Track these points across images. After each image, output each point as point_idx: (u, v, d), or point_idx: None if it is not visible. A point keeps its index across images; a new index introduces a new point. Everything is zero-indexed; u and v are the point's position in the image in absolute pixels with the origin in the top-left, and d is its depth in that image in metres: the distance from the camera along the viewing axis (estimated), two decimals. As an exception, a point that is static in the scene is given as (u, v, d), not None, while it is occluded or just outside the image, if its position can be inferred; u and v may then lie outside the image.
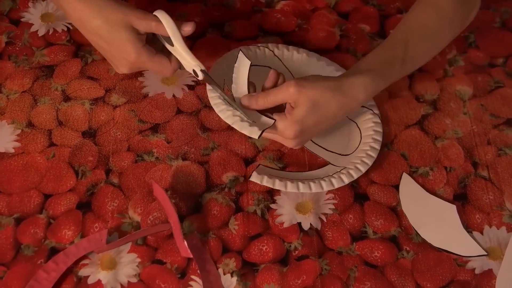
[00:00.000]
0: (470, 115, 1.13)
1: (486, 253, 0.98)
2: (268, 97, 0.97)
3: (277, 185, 0.99)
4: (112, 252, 0.96)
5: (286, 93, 0.95)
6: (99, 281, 0.93)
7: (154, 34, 1.02)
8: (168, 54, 1.01)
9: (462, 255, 0.98)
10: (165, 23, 0.97)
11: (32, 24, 1.20)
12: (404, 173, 1.06)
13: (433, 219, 1.02)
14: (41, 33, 1.19)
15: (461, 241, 1.00)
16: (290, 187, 0.99)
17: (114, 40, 0.98)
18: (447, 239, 1.00)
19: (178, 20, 0.99)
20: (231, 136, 1.08)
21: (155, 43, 1.03)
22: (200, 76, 0.99)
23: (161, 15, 0.98)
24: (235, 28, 1.23)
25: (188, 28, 1.00)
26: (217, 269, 0.96)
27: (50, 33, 1.19)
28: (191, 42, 1.19)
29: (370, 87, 0.98)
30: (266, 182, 0.99)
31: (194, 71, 1.00)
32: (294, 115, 0.95)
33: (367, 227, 1.01)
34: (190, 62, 1.00)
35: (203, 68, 0.99)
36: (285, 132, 0.96)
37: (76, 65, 1.15)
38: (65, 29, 1.20)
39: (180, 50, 0.99)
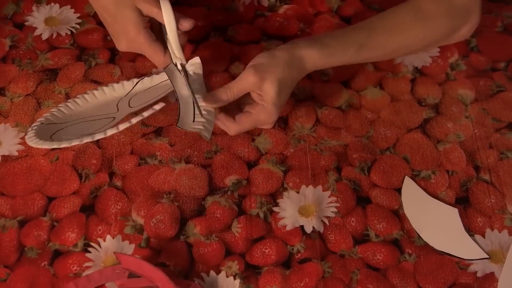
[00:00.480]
0: (472, 119, 1.13)
1: (488, 256, 0.98)
2: (231, 90, 0.99)
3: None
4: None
5: (248, 83, 0.97)
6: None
7: (161, 25, 1.04)
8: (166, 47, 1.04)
9: (464, 258, 0.98)
10: (164, 11, 0.99)
11: (36, 28, 1.21)
12: (406, 176, 1.06)
13: (435, 222, 1.02)
14: (44, 36, 1.19)
15: (463, 244, 1.00)
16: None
17: (118, 16, 1.01)
18: (449, 242, 1.00)
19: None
20: (234, 140, 1.09)
21: (161, 35, 1.05)
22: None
23: (163, 2, 0.99)
24: (238, 32, 1.24)
25: (186, 24, 1.02)
26: (220, 272, 0.96)
27: (53, 37, 1.19)
28: (194, 45, 1.20)
29: (316, 60, 1.01)
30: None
31: (175, 64, 1.02)
32: (270, 101, 0.97)
33: (370, 230, 1.01)
34: (175, 55, 1.02)
35: (184, 63, 1.02)
36: (269, 119, 0.99)
37: (80, 69, 1.15)
38: (69, 32, 1.20)
39: (170, 41, 1.01)
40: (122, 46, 1.05)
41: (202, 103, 0.99)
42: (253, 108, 0.99)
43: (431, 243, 0.99)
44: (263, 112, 0.98)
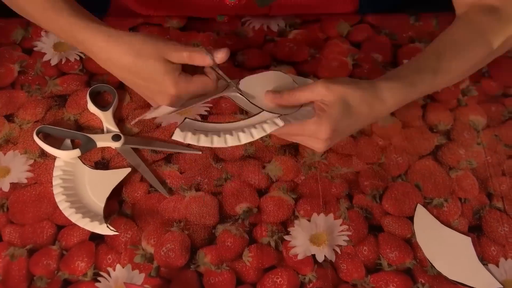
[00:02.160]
0: (484, 145, 1.13)
1: (502, 286, 0.97)
2: (294, 93, 0.97)
3: (202, 141, 0.94)
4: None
5: (313, 91, 0.95)
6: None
7: None
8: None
9: None
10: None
11: (44, 53, 1.20)
12: (418, 204, 1.05)
13: (448, 251, 1.01)
14: (53, 62, 1.19)
15: (476, 274, 0.99)
16: (217, 142, 0.94)
17: (151, 74, 0.95)
18: (463, 271, 0.99)
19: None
20: (244, 167, 1.08)
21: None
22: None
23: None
24: (248, 57, 1.23)
25: (221, 55, 0.96)
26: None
27: (62, 62, 1.19)
28: (203, 71, 1.19)
29: (398, 93, 0.98)
30: (190, 139, 0.94)
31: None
32: (329, 115, 0.94)
33: (382, 259, 1.00)
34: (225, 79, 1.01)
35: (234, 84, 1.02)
36: (319, 132, 0.95)
37: (89, 95, 1.15)
38: (78, 58, 1.20)
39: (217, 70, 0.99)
40: (166, 103, 0.99)
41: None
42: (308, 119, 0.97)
43: (444, 273, 0.98)
44: (315, 124, 0.95)
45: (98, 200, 1.02)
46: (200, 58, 0.95)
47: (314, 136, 0.97)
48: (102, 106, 1.11)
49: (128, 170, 1.05)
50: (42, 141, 1.05)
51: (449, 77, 1.06)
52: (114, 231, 0.99)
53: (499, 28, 1.06)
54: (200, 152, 1.08)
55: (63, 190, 1.02)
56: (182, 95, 0.97)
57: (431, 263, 0.99)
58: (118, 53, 0.95)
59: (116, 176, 1.05)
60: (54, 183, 1.03)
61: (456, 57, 1.04)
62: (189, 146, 1.08)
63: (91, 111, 1.12)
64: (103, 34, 0.96)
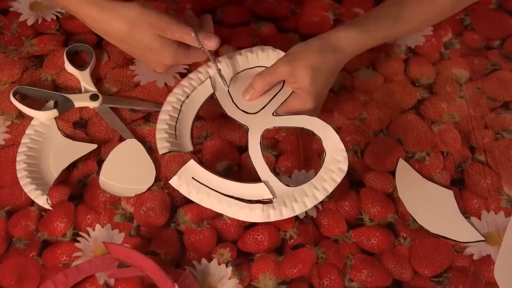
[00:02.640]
0: (467, 98, 1.12)
1: (484, 239, 0.97)
2: (264, 79, 0.99)
3: (196, 198, 0.94)
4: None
5: (280, 72, 0.98)
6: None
7: None
8: None
9: (460, 241, 0.97)
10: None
11: (20, 14, 1.18)
12: (400, 159, 1.04)
13: (430, 205, 1.00)
14: (30, 22, 1.17)
15: (458, 227, 0.99)
16: (218, 208, 0.93)
17: (147, 46, 1.00)
18: (445, 225, 0.99)
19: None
20: (224, 125, 1.07)
21: None
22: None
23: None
24: (227, 14, 1.21)
25: (211, 44, 1.00)
26: (211, 259, 0.95)
27: (39, 23, 1.17)
28: (182, 29, 1.18)
29: (355, 39, 1.01)
30: (183, 190, 0.94)
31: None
32: (303, 87, 0.97)
33: (364, 214, 1.00)
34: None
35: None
36: (304, 106, 0.98)
37: (66, 55, 1.13)
38: (54, 18, 1.18)
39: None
40: (160, 70, 1.08)
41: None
42: (289, 98, 1.00)
43: (426, 227, 0.98)
44: (298, 100, 0.98)
45: (54, 168, 1.01)
46: (191, 42, 0.99)
47: (302, 109, 0.98)
48: (80, 66, 1.10)
49: (94, 146, 1.03)
50: (19, 102, 1.04)
51: (411, 25, 1.06)
52: (50, 207, 0.97)
53: None
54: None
55: (27, 150, 1.02)
56: (177, 65, 1.05)
57: (413, 217, 0.99)
58: (112, 25, 0.99)
59: (81, 149, 1.03)
60: (22, 140, 1.03)
61: (418, 4, 1.04)
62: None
63: (69, 71, 1.11)
64: (96, 6, 0.97)
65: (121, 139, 1.04)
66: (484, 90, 1.13)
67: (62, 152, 1.02)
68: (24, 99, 1.06)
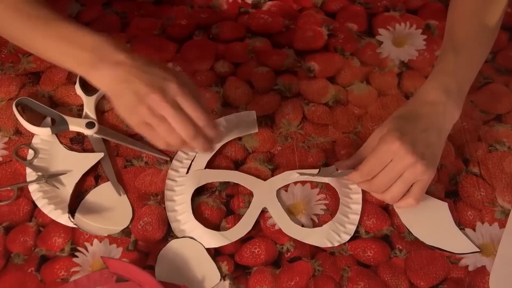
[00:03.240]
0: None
1: (479, 250, 0.98)
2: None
3: None
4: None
5: (372, 138, 1.01)
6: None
7: None
8: None
9: (455, 253, 0.98)
10: None
11: (17, 31, 1.19)
12: None
13: (425, 217, 1.01)
14: (26, 39, 1.18)
15: (454, 239, 0.99)
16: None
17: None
18: (440, 237, 0.99)
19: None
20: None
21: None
22: None
23: None
24: (222, 30, 1.22)
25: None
26: None
27: (36, 40, 1.18)
28: (178, 45, 1.19)
29: (437, 86, 1.00)
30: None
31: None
32: (387, 131, 0.96)
33: (359, 227, 1.00)
34: None
35: None
36: (389, 146, 0.94)
37: (63, 71, 1.14)
38: (51, 35, 1.19)
39: None
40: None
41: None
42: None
43: (421, 238, 0.99)
44: (382, 142, 0.96)
45: (67, 183, 1.01)
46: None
47: (389, 155, 0.95)
48: (88, 91, 1.10)
49: (101, 155, 1.04)
50: (20, 114, 1.05)
51: (471, 44, 1.05)
52: (74, 225, 0.97)
53: None
54: (168, 158, 1.06)
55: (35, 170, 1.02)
56: None
57: (408, 229, 1.00)
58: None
59: (88, 160, 1.04)
60: (28, 159, 1.04)
61: (469, 25, 1.06)
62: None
63: (77, 93, 1.11)
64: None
65: (119, 155, 1.05)
66: (477, 103, 1.14)
67: (70, 165, 1.03)
68: (24, 113, 1.07)
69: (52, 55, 0.96)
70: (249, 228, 0.98)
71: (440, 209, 1.02)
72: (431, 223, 1.01)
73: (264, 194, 1.02)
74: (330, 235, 0.98)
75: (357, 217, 1.01)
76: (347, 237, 0.99)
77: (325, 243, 0.98)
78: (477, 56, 1.05)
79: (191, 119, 0.90)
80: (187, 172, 1.03)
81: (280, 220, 1.00)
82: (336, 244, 0.98)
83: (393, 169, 0.94)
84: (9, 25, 0.97)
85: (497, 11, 1.06)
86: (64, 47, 0.93)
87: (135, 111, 0.90)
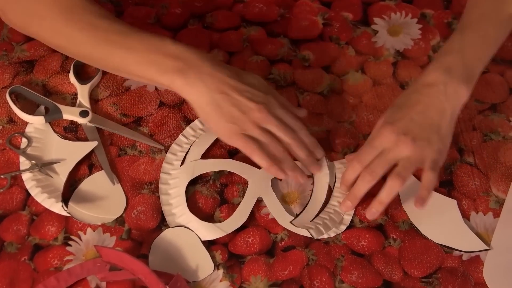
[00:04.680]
0: (455, 101, 1.13)
1: (488, 248, 0.97)
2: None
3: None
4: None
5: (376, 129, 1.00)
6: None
7: None
8: None
9: (465, 251, 0.97)
10: None
11: (11, 19, 1.19)
12: None
13: (433, 215, 1.00)
14: (20, 28, 1.17)
15: (463, 236, 0.99)
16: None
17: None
18: (449, 234, 0.99)
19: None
20: (215, 128, 1.07)
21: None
22: None
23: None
24: (217, 18, 1.22)
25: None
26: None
27: (29, 28, 1.17)
28: (172, 33, 1.19)
29: (437, 66, 1.00)
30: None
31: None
32: (380, 121, 0.99)
33: (354, 216, 1.00)
34: None
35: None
36: (382, 136, 0.96)
37: (57, 60, 1.13)
38: (45, 23, 1.18)
39: None
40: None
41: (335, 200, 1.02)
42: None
43: (430, 237, 0.98)
44: (377, 129, 0.98)
45: (60, 172, 1.01)
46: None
47: (381, 136, 0.96)
48: (82, 79, 1.10)
49: (95, 143, 1.04)
50: (14, 102, 1.05)
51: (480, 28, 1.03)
52: (68, 213, 0.97)
53: None
54: (162, 147, 1.06)
55: (29, 159, 1.02)
56: None
57: (417, 227, 0.99)
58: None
59: (82, 148, 1.04)
60: (22, 147, 1.04)
61: (480, 9, 1.05)
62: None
63: (71, 81, 1.11)
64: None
65: (112, 143, 1.05)
66: (472, 92, 1.13)
67: (64, 154, 1.02)
68: (17, 101, 1.06)
69: (133, 68, 0.97)
70: (245, 218, 0.98)
71: (449, 207, 1.02)
72: (440, 221, 1.00)
73: (259, 183, 1.02)
74: (325, 227, 0.98)
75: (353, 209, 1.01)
76: (343, 227, 0.99)
77: (309, 234, 0.98)
78: (490, 34, 1.03)
79: (293, 130, 0.96)
80: (182, 165, 1.03)
81: (275, 210, 0.99)
82: (332, 235, 0.98)
83: (386, 155, 0.95)
84: (85, 43, 0.97)
85: None
86: (146, 57, 0.95)
87: (237, 123, 0.93)
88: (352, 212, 1.00)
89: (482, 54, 1.02)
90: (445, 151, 0.96)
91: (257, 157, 0.94)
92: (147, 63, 0.95)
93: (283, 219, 0.99)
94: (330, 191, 1.02)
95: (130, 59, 0.95)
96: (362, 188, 0.96)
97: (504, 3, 1.04)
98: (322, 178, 1.03)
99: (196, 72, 0.93)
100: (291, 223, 0.97)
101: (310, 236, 0.96)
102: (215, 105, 0.93)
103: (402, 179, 0.93)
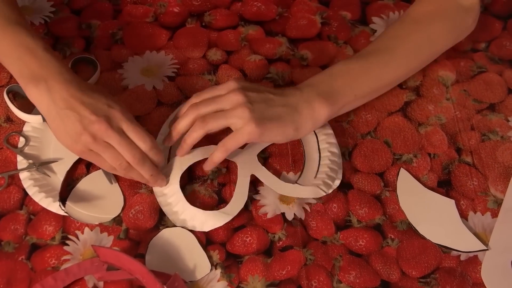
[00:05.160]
0: (453, 100, 1.12)
1: (486, 248, 0.97)
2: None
3: None
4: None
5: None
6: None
7: None
8: None
9: (463, 251, 0.97)
10: None
11: (9, 18, 1.18)
12: (401, 169, 1.05)
13: (432, 214, 1.01)
14: (18, 26, 1.17)
15: (461, 236, 0.99)
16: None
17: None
18: (447, 234, 0.99)
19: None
20: (213, 127, 1.07)
21: None
22: None
23: None
24: (215, 17, 1.22)
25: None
26: (201, 262, 0.95)
27: (27, 26, 1.17)
28: (170, 32, 1.19)
29: (312, 82, 1.01)
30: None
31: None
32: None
33: (352, 216, 1.00)
34: None
35: None
36: (232, 98, 0.94)
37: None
38: (43, 22, 1.18)
39: None
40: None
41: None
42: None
43: (428, 237, 0.98)
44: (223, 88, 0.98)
45: (58, 172, 1.01)
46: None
47: (228, 101, 0.95)
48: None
49: None
50: (11, 101, 1.04)
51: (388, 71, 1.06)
52: (65, 213, 0.97)
53: (443, 17, 1.09)
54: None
55: (26, 158, 1.02)
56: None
57: (415, 227, 0.99)
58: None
59: None
60: (19, 147, 1.03)
61: (391, 47, 1.06)
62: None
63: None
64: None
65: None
66: (470, 92, 1.14)
67: (62, 153, 1.01)
68: (15, 100, 1.06)
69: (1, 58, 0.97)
70: (245, 197, 0.98)
71: (447, 207, 1.02)
72: (438, 221, 1.00)
73: (248, 162, 1.02)
74: (322, 185, 0.99)
75: (340, 160, 1.03)
76: (338, 182, 1.01)
77: (319, 193, 0.99)
78: (372, 69, 1.05)
79: (136, 145, 0.92)
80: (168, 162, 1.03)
81: (270, 181, 1.00)
82: (330, 191, 0.99)
83: (221, 99, 0.95)
84: None
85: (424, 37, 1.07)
86: (14, 53, 0.94)
87: (79, 140, 0.90)
88: (341, 166, 1.03)
89: (363, 88, 1.04)
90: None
91: (102, 167, 0.96)
92: (11, 60, 0.95)
93: (281, 187, 1.00)
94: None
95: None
96: (195, 136, 0.95)
97: (413, 49, 1.07)
98: (310, 138, 1.05)
99: (47, 83, 0.91)
100: (297, 183, 0.99)
101: (317, 192, 0.99)
102: (60, 121, 0.91)
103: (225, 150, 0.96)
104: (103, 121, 0.89)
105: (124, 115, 0.92)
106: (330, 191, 1.00)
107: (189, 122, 0.96)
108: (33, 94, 0.92)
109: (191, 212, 0.98)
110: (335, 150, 1.04)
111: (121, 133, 0.91)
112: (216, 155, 0.95)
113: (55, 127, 0.93)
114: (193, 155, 1.01)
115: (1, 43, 0.95)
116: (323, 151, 1.03)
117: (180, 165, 1.01)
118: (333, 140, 1.05)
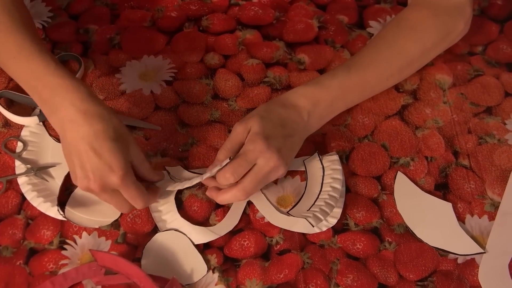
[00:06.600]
0: (450, 104, 1.13)
1: (483, 251, 0.97)
2: (224, 147, 0.97)
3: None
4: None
5: (237, 133, 0.97)
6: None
7: None
8: None
9: (460, 254, 0.97)
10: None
11: (6, 23, 1.18)
12: (399, 172, 1.05)
13: (429, 218, 1.01)
14: (16, 31, 1.17)
15: (458, 240, 0.99)
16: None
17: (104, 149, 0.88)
18: (444, 237, 0.99)
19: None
20: (210, 131, 1.07)
21: None
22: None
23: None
24: (213, 22, 1.22)
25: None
26: (198, 265, 0.95)
27: (25, 31, 1.17)
28: (168, 37, 1.19)
29: (309, 94, 1.01)
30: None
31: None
32: (253, 131, 0.95)
33: (349, 219, 1.00)
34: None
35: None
36: (255, 148, 0.93)
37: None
38: (41, 27, 1.18)
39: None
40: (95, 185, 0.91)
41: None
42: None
43: (425, 240, 0.98)
44: (249, 143, 0.94)
45: (56, 176, 1.01)
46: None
47: (255, 155, 0.93)
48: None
49: None
50: (3, 106, 1.05)
51: (367, 67, 1.05)
52: (63, 217, 0.97)
53: (434, 22, 1.08)
54: (159, 128, 1.07)
55: (24, 163, 1.02)
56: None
57: (412, 231, 0.99)
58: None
59: None
60: (17, 151, 1.04)
61: (376, 51, 1.07)
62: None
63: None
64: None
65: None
66: (467, 95, 1.14)
67: (60, 158, 1.01)
68: (11, 105, 1.07)
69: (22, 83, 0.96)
70: (236, 221, 0.99)
71: (444, 210, 1.02)
72: (435, 224, 1.00)
73: None
74: (311, 218, 0.98)
75: (343, 200, 1.01)
76: (334, 221, 0.99)
77: (312, 230, 0.98)
78: (370, 82, 1.07)
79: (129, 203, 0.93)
80: None
81: (266, 211, 1.00)
82: (324, 229, 0.98)
83: (260, 170, 0.93)
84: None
85: (412, 44, 1.08)
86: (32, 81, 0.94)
87: (90, 186, 0.89)
88: (341, 206, 1.00)
89: (354, 99, 1.08)
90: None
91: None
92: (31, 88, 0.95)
93: (275, 219, 0.99)
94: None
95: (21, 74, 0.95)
96: (232, 200, 0.97)
97: (401, 53, 1.07)
98: (316, 172, 1.03)
99: (62, 117, 0.90)
100: (288, 213, 0.98)
101: (307, 226, 0.97)
102: (68, 155, 0.90)
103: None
104: (97, 182, 0.88)
105: (122, 181, 0.88)
106: (324, 227, 0.98)
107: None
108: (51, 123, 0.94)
109: (180, 223, 0.98)
110: (338, 186, 1.02)
111: (114, 193, 0.91)
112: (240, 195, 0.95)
113: (71, 160, 0.90)
114: (194, 180, 1.00)
115: (16, 72, 0.95)
116: (325, 185, 1.02)
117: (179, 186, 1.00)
118: (340, 176, 1.03)
